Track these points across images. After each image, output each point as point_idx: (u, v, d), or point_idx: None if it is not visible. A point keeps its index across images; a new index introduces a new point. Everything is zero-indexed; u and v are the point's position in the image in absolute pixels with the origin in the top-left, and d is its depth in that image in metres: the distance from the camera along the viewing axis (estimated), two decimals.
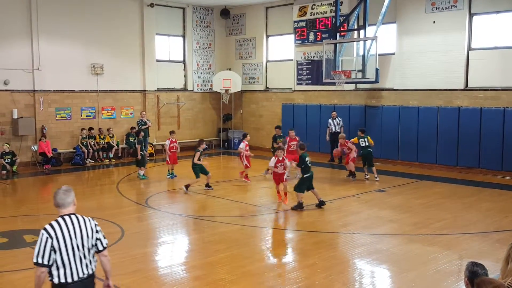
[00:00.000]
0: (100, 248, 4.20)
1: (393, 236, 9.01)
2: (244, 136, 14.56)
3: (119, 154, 18.80)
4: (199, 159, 12.52)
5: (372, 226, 9.67)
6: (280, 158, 11.16)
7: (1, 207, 11.29)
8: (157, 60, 20.35)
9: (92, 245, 4.12)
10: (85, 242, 4.04)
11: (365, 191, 12.87)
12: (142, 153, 14.69)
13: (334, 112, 17.76)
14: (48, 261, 3.94)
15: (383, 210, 10.89)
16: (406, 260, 7.75)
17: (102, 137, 18.39)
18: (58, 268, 3.96)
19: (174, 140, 14.74)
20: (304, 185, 10.69)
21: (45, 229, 3.99)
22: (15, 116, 16.52)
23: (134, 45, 19.52)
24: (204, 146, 12.94)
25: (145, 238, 8.99)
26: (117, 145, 18.71)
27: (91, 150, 17.87)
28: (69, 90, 17.82)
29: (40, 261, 3.91)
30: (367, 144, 14.17)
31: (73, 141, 17.93)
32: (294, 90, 20.27)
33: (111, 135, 18.60)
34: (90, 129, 18.14)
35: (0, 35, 16.12)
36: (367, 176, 14.14)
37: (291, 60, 20.28)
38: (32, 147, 16.82)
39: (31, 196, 13.11)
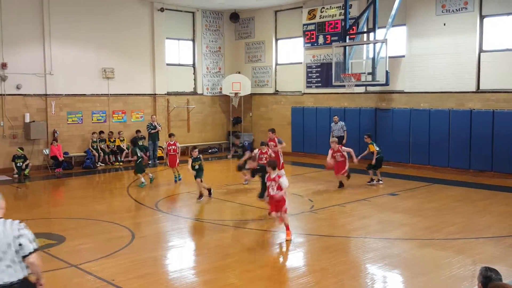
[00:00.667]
0: (23, 253, 3.80)
1: (405, 240, 8.91)
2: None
3: (129, 158, 18.86)
4: (192, 167, 12.02)
5: (384, 230, 9.58)
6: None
7: (13, 211, 11.25)
8: (167, 64, 20.42)
9: (16, 250, 3.77)
10: (9, 246, 3.71)
11: (377, 194, 12.76)
12: (139, 159, 14.00)
13: (336, 117, 17.59)
14: None
15: (395, 214, 10.78)
16: (418, 265, 7.64)
17: (112, 140, 18.49)
18: None
19: (172, 143, 14.59)
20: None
21: None
22: (27, 120, 16.67)
23: (144, 49, 19.61)
24: (196, 153, 12.05)
25: (155, 241, 8.98)
26: (127, 148, 18.77)
27: (101, 154, 17.96)
28: (80, 94, 17.94)
29: None
30: (380, 148, 14.05)
31: (84, 145, 18.04)
32: (304, 93, 20.22)
33: (122, 139, 18.69)
34: (101, 132, 18.24)
35: (13, 40, 16.28)
36: (381, 181, 13.96)
37: (301, 63, 20.24)
38: (44, 150, 16.95)
39: (43, 199, 13.20)
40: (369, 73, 16.28)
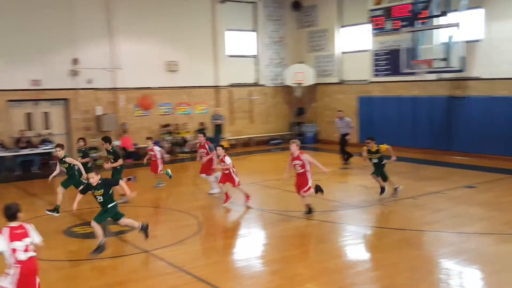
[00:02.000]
0: None
1: (483, 235, 8.30)
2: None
3: (193, 149, 19.17)
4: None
5: (460, 224, 8.99)
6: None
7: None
8: (229, 56, 20.47)
9: None
10: None
11: (452, 187, 12.02)
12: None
13: (341, 112, 16.52)
14: None
15: (471, 208, 10.11)
16: (498, 260, 7.09)
17: (177, 132, 18.86)
18: None
19: (150, 148, 12.95)
20: None
21: None
22: (99, 113, 17.34)
23: (206, 41, 19.77)
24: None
25: (221, 230, 8.98)
26: (191, 140, 19.12)
27: (168, 145, 18.36)
28: (146, 88, 18.39)
29: None
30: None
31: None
32: (371, 82, 19.53)
33: (186, 130, 19.01)
34: (167, 125, 18.66)
35: (83, 37, 16.93)
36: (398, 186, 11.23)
37: (367, 50, 19.54)
38: (114, 142, 17.52)
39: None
40: (442, 59, 15.38)
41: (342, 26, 20.76)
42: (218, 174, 11.17)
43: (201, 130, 14.08)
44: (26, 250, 4.84)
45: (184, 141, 18.90)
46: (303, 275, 6.67)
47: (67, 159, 9.88)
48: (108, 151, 11.20)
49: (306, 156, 9.24)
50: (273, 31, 21.79)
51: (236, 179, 10.23)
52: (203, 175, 11.80)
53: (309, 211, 9.46)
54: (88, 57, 17.02)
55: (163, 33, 18.60)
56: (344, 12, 20.60)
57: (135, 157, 17.59)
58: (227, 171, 10.23)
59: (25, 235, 4.89)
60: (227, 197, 10.45)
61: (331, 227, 9.11)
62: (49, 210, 9.86)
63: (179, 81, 19.10)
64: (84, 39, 16.95)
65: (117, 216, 7.62)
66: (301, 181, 9.30)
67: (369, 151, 10.89)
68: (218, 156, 10.66)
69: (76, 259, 7.63)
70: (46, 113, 16.93)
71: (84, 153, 11.21)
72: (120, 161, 11.04)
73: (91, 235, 7.95)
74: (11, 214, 4.96)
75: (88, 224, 8.50)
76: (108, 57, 17.52)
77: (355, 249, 8.04)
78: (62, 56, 16.57)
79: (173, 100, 19.15)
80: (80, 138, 11.77)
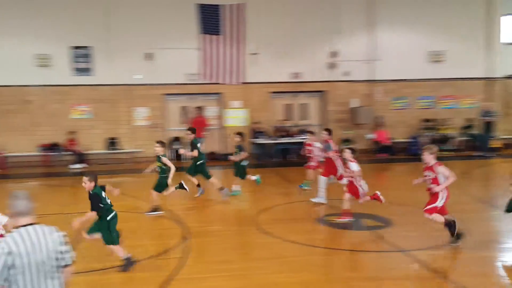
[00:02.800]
0: (65, 263, 3.45)
1: None
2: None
3: (458, 147, 16.90)
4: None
5: None
6: None
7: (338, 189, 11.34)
8: (505, 43, 17.42)
9: (58, 259, 3.39)
10: (51, 255, 3.34)
11: None
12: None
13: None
14: (4, 281, 3.25)
15: None
16: None
17: (438, 128, 16.95)
18: (18, 286, 3.28)
19: (308, 143, 10.52)
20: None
21: (2, 243, 3.26)
22: (354, 105, 16.94)
23: (476, 29, 17.28)
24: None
25: (488, 240, 7.25)
26: (455, 137, 16.93)
27: (426, 141, 16.65)
28: (403, 80, 17.11)
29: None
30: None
31: (407, 131, 17.11)
32: None
33: (449, 126, 16.92)
34: (427, 120, 17.07)
35: (344, 29, 16.72)
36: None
37: None
38: (367, 135, 16.88)
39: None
40: None
41: None
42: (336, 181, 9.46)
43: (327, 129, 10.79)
44: None
45: (446, 138, 16.82)
46: None
47: (163, 159, 8.88)
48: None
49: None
50: None
51: (361, 191, 8.18)
52: (319, 177, 9.65)
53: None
54: (346, 49, 16.85)
55: (428, 22, 17.09)
56: None
57: (391, 151, 16.51)
58: (350, 179, 8.29)
59: None
60: (345, 214, 8.25)
61: None
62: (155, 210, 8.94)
63: (443, 73, 17.22)
64: (344, 31, 16.81)
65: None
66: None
67: None
68: (344, 160, 8.69)
69: (326, 246, 7.25)
70: (303, 104, 17.44)
71: (240, 149, 10.36)
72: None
73: (341, 226, 7.46)
74: None
75: (339, 215, 8.21)
76: (366, 49, 16.98)
77: None
78: (322, 49, 16.78)
79: (435, 93, 17.34)
80: (237, 133, 10.65)
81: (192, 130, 10.23)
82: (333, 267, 6.45)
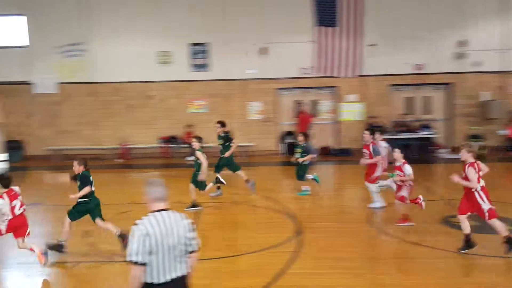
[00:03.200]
0: (192, 249, 3.64)
1: None
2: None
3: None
4: None
5: None
6: None
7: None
8: None
9: (186, 244, 3.60)
10: (181, 240, 3.56)
11: None
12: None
13: None
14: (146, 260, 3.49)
15: None
16: None
17: None
18: (151, 267, 3.50)
19: (366, 144, 8.80)
20: None
21: (140, 225, 3.47)
22: (485, 98, 15.37)
23: None
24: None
25: None
26: None
27: None
28: None
29: (139, 259, 3.42)
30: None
31: None
32: None
33: None
34: None
35: (474, 16, 15.29)
36: None
37: None
38: (499, 131, 15.13)
39: (497, 182, 11.44)
40: None
41: None
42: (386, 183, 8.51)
43: (371, 128, 10.10)
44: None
45: None
46: None
47: (198, 153, 8.74)
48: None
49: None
50: None
51: (405, 194, 7.46)
52: (366, 183, 8.68)
53: None
54: (476, 38, 15.34)
55: None
56: None
57: None
58: (400, 183, 7.49)
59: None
60: (404, 219, 7.51)
61: None
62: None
63: None
64: (474, 18, 15.34)
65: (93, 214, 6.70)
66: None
67: None
68: (395, 161, 7.65)
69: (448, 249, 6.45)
70: (427, 97, 16.18)
71: (303, 149, 9.67)
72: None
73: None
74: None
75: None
76: (499, 37, 15.31)
77: None
78: (448, 38, 15.47)
79: None
80: (300, 133, 10.37)
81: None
82: (454, 271, 5.83)
